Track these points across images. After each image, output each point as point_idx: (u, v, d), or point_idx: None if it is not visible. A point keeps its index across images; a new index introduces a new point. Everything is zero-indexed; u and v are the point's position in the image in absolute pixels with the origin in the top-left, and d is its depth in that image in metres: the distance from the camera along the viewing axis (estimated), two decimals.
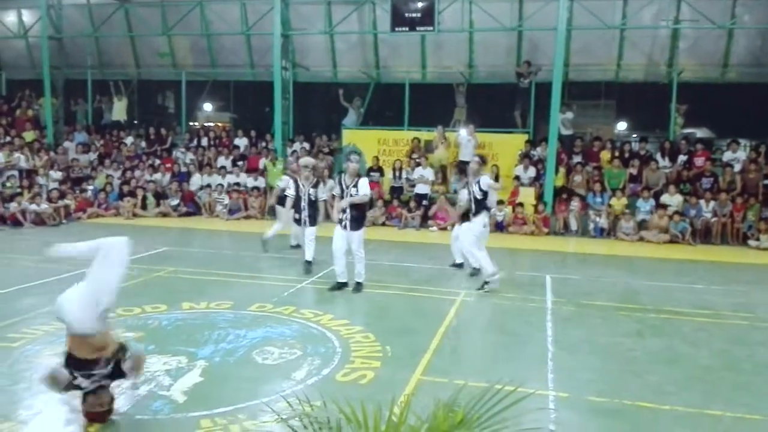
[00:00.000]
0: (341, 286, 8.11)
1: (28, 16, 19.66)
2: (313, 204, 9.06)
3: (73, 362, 4.12)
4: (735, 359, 5.87)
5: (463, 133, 15.39)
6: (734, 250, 12.49)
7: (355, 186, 7.95)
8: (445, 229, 13.52)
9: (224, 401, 4.57)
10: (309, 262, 8.98)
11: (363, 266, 8.10)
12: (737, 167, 14.16)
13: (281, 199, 10.46)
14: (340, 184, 8.10)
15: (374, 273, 8.78)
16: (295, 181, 9.23)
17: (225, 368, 5.29)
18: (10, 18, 20.14)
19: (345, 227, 7.96)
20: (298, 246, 9.97)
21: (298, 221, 9.35)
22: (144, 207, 15.42)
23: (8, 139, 17.03)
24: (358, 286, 8.09)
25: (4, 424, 4.19)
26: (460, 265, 9.46)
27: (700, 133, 17.41)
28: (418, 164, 15.16)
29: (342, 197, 8.00)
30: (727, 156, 14.58)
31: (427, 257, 9.62)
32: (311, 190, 9.03)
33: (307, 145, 16.87)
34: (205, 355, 5.56)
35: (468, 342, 6.42)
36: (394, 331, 6.67)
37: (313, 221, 9.05)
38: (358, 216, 8.05)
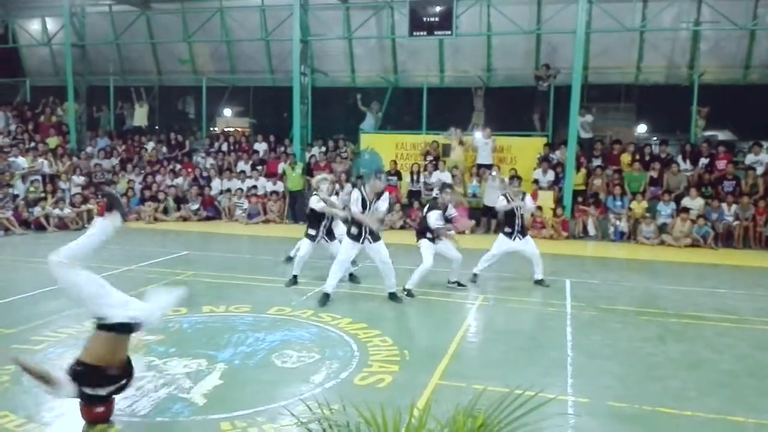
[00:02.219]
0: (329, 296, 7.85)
1: (51, 24, 20.01)
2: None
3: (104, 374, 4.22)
4: (758, 365, 5.79)
5: (478, 136, 15.37)
6: (757, 254, 12.31)
7: (379, 199, 7.75)
8: (462, 233, 13.47)
9: (244, 404, 4.61)
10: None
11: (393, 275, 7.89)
12: (760, 170, 13.96)
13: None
14: (363, 198, 7.69)
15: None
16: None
17: (244, 371, 5.33)
18: (35, 26, 20.53)
19: (362, 242, 7.70)
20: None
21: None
22: (165, 211, 15.59)
23: (32, 144, 17.34)
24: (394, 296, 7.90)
25: (28, 425, 4.26)
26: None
27: (722, 135, 17.18)
28: (436, 168, 15.14)
29: (362, 211, 7.64)
30: (750, 159, 14.37)
31: (445, 261, 9.60)
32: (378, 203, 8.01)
33: (324, 149, 16.94)
34: (224, 358, 5.61)
35: (487, 346, 6.39)
36: (412, 335, 6.68)
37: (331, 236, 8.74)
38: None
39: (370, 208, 7.68)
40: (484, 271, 9.10)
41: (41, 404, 4.60)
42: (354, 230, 7.69)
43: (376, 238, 7.74)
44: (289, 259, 10.33)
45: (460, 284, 8.66)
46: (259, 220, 15.43)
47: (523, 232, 8.91)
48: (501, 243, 8.95)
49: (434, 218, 8.23)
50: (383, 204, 7.82)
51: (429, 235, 8.32)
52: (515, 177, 9.76)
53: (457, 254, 8.48)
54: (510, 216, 8.84)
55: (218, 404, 4.62)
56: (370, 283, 8.66)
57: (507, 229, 8.89)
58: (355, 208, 7.66)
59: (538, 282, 8.93)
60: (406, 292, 8.02)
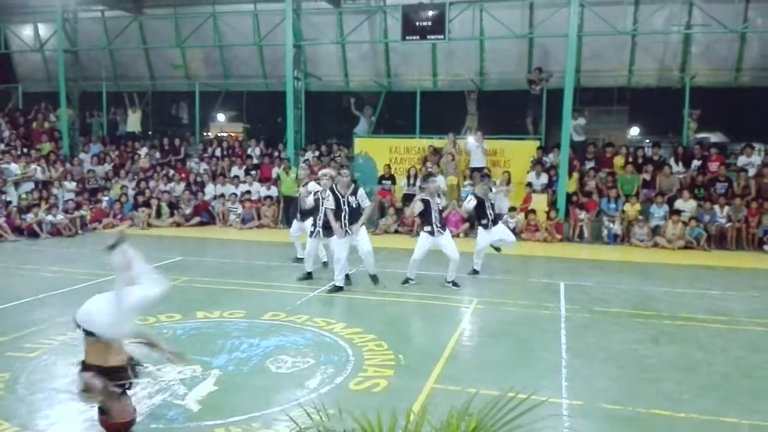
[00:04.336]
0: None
1: (44, 30, 19.96)
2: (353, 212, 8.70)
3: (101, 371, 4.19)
4: (751, 366, 5.81)
5: (471, 140, 15.42)
6: (749, 256, 12.37)
7: (353, 194, 8.33)
8: (457, 236, 13.49)
9: (238, 410, 4.60)
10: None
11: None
12: (752, 172, 14.03)
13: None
14: (335, 195, 8.30)
15: (387, 281, 8.82)
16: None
17: (239, 377, 5.32)
18: (27, 32, 20.46)
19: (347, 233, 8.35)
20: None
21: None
22: (158, 214, 15.59)
23: (25, 150, 17.27)
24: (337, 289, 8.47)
25: None
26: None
27: (714, 137, 17.30)
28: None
29: (338, 207, 8.30)
30: (742, 161, 14.45)
31: (440, 265, 9.62)
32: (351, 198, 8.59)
33: (317, 154, 16.93)
34: (219, 364, 5.60)
35: (481, 350, 6.40)
36: (407, 339, 6.68)
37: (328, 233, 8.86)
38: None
39: (343, 206, 8.27)
40: (481, 267, 9.75)
41: (35, 412, 4.59)
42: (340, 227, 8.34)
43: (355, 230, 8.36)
44: (298, 260, 10.26)
45: (455, 284, 8.82)
46: (253, 225, 15.41)
47: (495, 221, 9.67)
48: (481, 236, 9.69)
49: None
50: (364, 200, 8.45)
51: (427, 228, 8.79)
52: (485, 175, 10.64)
53: (455, 254, 8.69)
54: (481, 209, 9.55)
55: (213, 410, 4.61)
56: (365, 288, 8.66)
57: (483, 221, 9.60)
58: (329, 204, 8.38)
59: (499, 252, 9.92)
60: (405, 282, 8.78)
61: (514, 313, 7.69)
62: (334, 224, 8.36)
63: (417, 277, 9.05)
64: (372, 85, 18.45)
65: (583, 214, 13.83)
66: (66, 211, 14.40)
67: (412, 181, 15.30)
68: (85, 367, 4.19)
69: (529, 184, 14.68)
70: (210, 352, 5.92)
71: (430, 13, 15.04)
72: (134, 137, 19.15)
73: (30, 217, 13.74)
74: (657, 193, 13.92)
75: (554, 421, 4.39)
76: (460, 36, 15.87)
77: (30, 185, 15.43)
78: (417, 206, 8.84)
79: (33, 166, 15.97)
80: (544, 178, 14.75)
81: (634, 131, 18.68)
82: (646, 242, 13.16)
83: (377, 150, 16.64)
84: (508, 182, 14.11)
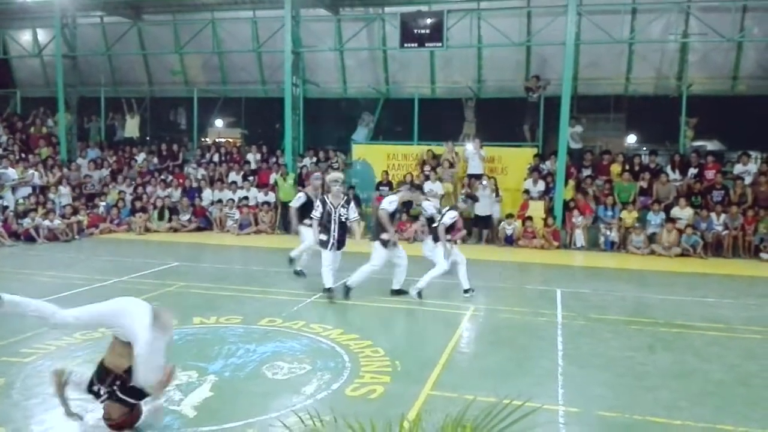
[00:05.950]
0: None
1: (42, 35, 19.99)
2: (343, 225, 8.46)
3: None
4: (747, 374, 5.82)
5: (470, 147, 15.46)
6: (746, 263, 12.40)
7: (344, 207, 8.29)
8: (455, 242, 13.46)
9: (234, 416, 4.59)
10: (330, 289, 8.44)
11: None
12: (748, 180, 14.09)
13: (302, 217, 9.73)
14: (324, 205, 8.25)
15: (385, 287, 8.80)
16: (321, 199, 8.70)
17: (235, 383, 5.31)
18: (26, 37, 20.50)
19: (330, 248, 8.29)
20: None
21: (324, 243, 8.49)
22: (161, 218, 15.63)
23: (22, 155, 17.27)
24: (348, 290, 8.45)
25: None
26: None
27: (711, 145, 17.35)
28: (428, 178, 15.17)
29: (328, 219, 8.24)
30: (738, 169, 14.51)
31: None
32: (342, 210, 8.41)
33: (315, 160, 16.95)
34: (215, 369, 5.59)
35: (478, 356, 6.40)
36: (404, 345, 6.68)
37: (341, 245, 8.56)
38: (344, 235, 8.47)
39: (334, 215, 8.23)
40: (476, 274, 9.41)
41: (30, 417, 4.58)
42: (323, 237, 8.32)
43: (340, 246, 8.35)
44: (299, 274, 9.94)
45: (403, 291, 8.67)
46: (251, 230, 15.40)
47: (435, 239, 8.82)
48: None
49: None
50: (352, 213, 8.38)
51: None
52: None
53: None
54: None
55: (209, 416, 4.61)
56: (361, 294, 8.64)
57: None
58: (316, 213, 8.32)
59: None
60: (417, 292, 8.43)
61: (510, 320, 7.70)
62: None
63: (415, 283, 9.03)
64: (370, 92, 18.50)
65: (580, 219, 13.84)
66: (63, 216, 14.38)
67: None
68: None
69: (526, 191, 14.70)
70: (206, 357, 5.91)
71: (429, 20, 15.11)
72: (132, 143, 19.17)
73: (27, 221, 13.72)
74: (654, 201, 13.95)
75: (550, 429, 4.40)
76: (458, 43, 15.93)
77: (27, 190, 15.41)
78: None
79: (30, 170, 15.95)
80: (541, 186, 14.78)
81: (631, 139, 18.73)
82: (642, 249, 13.18)
83: (375, 156, 16.68)
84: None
